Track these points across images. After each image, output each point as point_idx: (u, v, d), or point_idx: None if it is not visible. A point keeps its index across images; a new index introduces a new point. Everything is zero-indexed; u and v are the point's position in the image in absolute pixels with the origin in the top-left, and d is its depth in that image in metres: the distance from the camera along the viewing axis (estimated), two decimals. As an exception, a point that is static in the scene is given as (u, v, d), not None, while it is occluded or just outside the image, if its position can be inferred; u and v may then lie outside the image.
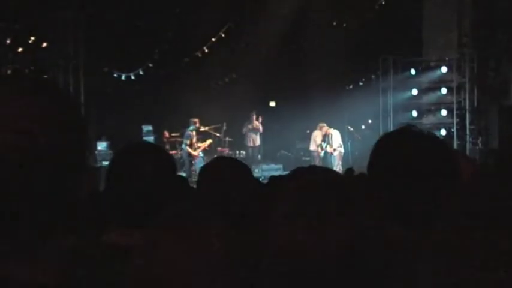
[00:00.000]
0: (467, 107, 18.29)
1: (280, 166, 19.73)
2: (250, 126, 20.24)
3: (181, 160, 18.24)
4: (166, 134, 19.51)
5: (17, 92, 1.08)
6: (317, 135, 19.68)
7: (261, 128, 20.24)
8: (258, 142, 20.38)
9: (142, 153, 2.36)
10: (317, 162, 18.90)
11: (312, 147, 19.77)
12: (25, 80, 1.14)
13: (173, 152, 18.64)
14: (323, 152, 19.47)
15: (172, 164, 2.43)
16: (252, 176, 3.25)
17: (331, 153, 19.08)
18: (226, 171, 2.94)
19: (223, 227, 1.74)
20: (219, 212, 1.89)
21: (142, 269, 1.65)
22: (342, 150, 19.20)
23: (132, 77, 20.03)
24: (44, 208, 1.08)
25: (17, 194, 1.04)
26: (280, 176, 6.47)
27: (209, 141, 19.19)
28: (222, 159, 3.63)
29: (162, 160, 2.35)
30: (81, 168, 1.15)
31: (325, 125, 19.48)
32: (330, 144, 19.21)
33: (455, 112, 18.57)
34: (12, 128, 1.04)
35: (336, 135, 19.29)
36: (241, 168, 3.02)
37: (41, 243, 1.12)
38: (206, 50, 20.45)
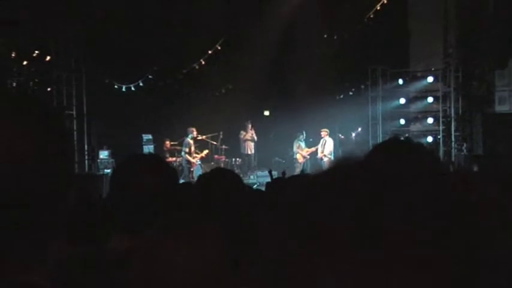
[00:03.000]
0: (452, 115, 18.34)
1: (275, 173, 19.72)
2: (246, 135, 20.29)
3: (181, 167, 18.23)
4: (167, 143, 19.50)
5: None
6: (295, 144, 19.90)
7: (255, 137, 20.32)
8: (253, 150, 20.46)
9: (143, 164, 2.37)
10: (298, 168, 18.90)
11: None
12: (7, 99, 1.14)
13: (173, 159, 18.65)
14: (304, 158, 19.57)
15: (171, 174, 2.43)
16: (244, 184, 3.27)
17: (321, 159, 19.05)
18: (222, 180, 2.96)
19: (219, 231, 1.75)
20: (215, 218, 1.90)
21: (143, 272, 1.66)
22: (332, 158, 19.13)
23: (133, 88, 20.02)
24: (38, 217, 1.09)
25: (10, 205, 1.05)
26: (276, 180, 6.51)
27: (206, 152, 19.24)
28: (218, 169, 3.66)
29: (162, 170, 2.36)
30: (67, 178, 1.15)
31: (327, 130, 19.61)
32: (322, 150, 19.21)
33: (441, 120, 18.62)
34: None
35: (329, 143, 19.29)
36: (236, 178, 3.05)
37: (43, 250, 1.12)
38: (203, 62, 20.48)
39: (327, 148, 19.20)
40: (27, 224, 1.06)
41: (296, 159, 19.75)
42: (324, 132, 19.31)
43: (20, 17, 14.53)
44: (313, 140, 20.02)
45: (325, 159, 18.96)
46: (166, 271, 1.63)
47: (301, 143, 19.89)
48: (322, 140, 19.30)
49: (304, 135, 19.90)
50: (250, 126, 20.30)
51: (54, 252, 1.16)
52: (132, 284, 1.67)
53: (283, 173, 13.83)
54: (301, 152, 19.75)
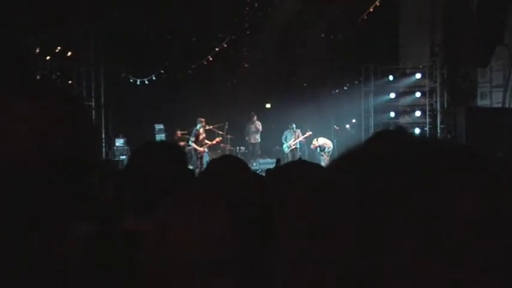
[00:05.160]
0: (438, 109, 18.33)
1: (275, 160, 19.69)
2: (252, 126, 20.31)
3: (189, 155, 18.23)
4: (179, 133, 19.48)
5: (29, 99, 1.09)
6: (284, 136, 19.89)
7: (260, 127, 20.32)
8: (258, 139, 20.46)
9: (156, 150, 2.37)
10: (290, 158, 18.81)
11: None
12: (36, 87, 1.14)
13: (183, 146, 18.66)
14: (289, 148, 19.56)
15: (181, 159, 2.43)
16: (249, 169, 3.26)
17: (322, 155, 19.00)
18: (230, 166, 2.96)
19: (224, 208, 1.73)
20: (221, 198, 1.88)
21: (154, 251, 1.64)
22: (331, 150, 19.11)
23: (146, 82, 20.03)
24: (63, 200, 1.09)
25: (40, 181, 1.05)
26: (274, 168, 6.49)
27: (218, 138, 19.19)
28: (226, 156, 3.67)
29: (172, 156, 2.36)
30: (92, 165, 1.16)
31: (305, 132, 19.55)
32: (322, 150, 19.09)
33: (427, 113, 18.60)
34: (26, 133, 1.05)
35: (323, 142, 19.25)
36: (242, 164, 3.05)
37: (71, 225, 1.13)
38: (210, 59, 20.47)
39: (326, 148, 19.11)
40: (57, 200, 1.07)
41: (282, 149, 19.70)
42: (314, 145, 19.24)
43: (43, 15, 14.50)
44: (301, 130, 19.93)
45: (324, 155, 18.80)
46: (175, 249, 1.62)
47: (288, 134, 19.79)
48: (318, 148, 19.22)
49: (294, 127, 19.77)
50: (255, 117, 20.34)
51: (81, 228, 1.17)
52: (142, 262, 1.65)
53: (278, 161, 13.79)
54: (287, 142, 19.68)
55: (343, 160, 0.67)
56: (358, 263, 0.56)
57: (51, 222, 1.08)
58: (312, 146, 19.40)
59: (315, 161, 16.55)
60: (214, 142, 18.86)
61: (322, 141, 19.28)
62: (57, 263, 1.07)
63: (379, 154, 0.65)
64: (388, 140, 0.69)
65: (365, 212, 0.58)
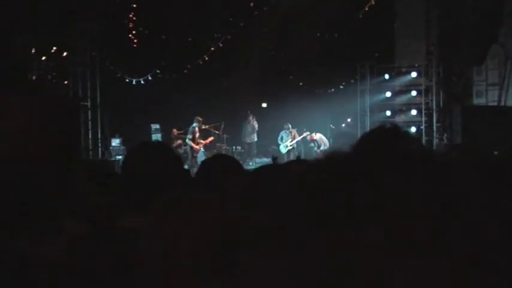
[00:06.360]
0: (434, 107, 18.34)
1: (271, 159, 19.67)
2: (248, 126, 20.33)
3: (185, 154, 18.21)
4: (175, 132, 19.45)
5: (13, 98, 1.09)
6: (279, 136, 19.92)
7: (256, 126, 20.35)
8: (254, 139, 20.49)
9: (152, 150, 2.37)
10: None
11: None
12: (21, 87, 1.14)
13: (179, 146, 18.62)
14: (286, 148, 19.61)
15: (177, 158, 2.44)
16: (242, 168, 3.27)
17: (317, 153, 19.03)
18: (222, 165, 2.96)
19: (217, 208, 1.73)
20: (213, 197, 1.89)
21: (149, 248, 1.64)
22: (327, 147, 19.15)
23: (142, 82, 20.01)
24: (49, 198, 1.09)
25: (22, 186, 1.05)
26: (266, 166, 6.47)
27: (211, 138, 19.20)
28: (219, 155, 3.67)
29: (167, 157, 2.36)
30: (74, 162, 1.15)
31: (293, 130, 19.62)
32: (318, 147, 19.14)
33: (423, 112, 18.62)
34: (11, 131, 1.04)
35: (320, 138, 19.28)
36: (234, 162, 3.06)
37: (54, 226, 1.12)
38: (206, 58, 20.46)
39: (322, 145, 19.17)
40: (38, 202, 1.06)
41: (279, 150, 19.74)
42: (312, 137, 19.28)
43: (39, 15, 14.47)
44: (298, 130, 19.95)
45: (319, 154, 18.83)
46: (172, 249, 1.62)
47: (284, 135, 19.82)
48: (314, 143, 19.27)
49: (290, 127, 19.79)
50: (252, 116, 20.38)
51: (65, 228, 1.16)
52: (140, 260, 1.66)
53: (275, 159, 13.75)
54: (283, 143, 19.72)
55: (324, 161, 0.66)
56: (318, 263, 0.55)
57: (34, 223, 1.08)
58: (308, 138, 19.42)
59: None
60: (207, 141, 18.85)
61: (319, 136, 19.34)
62: (44, 263, 1.07)
63: (363, 156, 0.64)
64: (378, 143, 0.68)
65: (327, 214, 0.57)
